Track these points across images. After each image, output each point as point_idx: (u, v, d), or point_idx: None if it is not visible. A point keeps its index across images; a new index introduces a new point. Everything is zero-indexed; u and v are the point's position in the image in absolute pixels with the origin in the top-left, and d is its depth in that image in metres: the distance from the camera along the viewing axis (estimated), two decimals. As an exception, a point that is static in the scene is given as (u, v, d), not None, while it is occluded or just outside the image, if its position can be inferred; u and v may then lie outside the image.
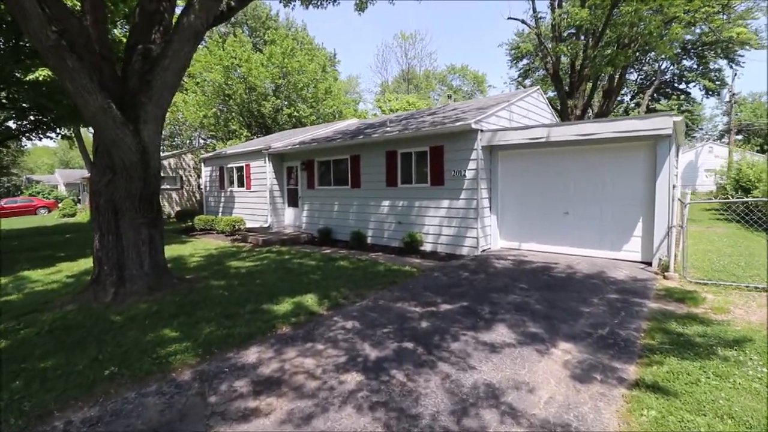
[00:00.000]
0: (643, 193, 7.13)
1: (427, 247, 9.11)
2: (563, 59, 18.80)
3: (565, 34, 18.65)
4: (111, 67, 5.05)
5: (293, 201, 12.98)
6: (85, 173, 31.28)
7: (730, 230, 11.54)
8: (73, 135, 31.10)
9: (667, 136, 6.67)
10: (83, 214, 22.59)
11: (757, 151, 34.09)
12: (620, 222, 7.40)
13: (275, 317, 4.81)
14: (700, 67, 31.88)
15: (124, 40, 7.43)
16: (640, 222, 7.23)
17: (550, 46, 18.08)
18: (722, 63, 30.65)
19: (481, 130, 8.26)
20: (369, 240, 10.32)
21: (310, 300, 5.44)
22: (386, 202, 9.95)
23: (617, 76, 18.32)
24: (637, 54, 16.96)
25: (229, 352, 3.91)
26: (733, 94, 28.64)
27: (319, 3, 8.44)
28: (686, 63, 32.95)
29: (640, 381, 3.17)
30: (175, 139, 37.33)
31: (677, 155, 8.98)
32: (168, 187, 21.83)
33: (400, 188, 9.63)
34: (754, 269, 6.62)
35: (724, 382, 3.07)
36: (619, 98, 32.08)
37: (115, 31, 11.28)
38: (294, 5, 8.65)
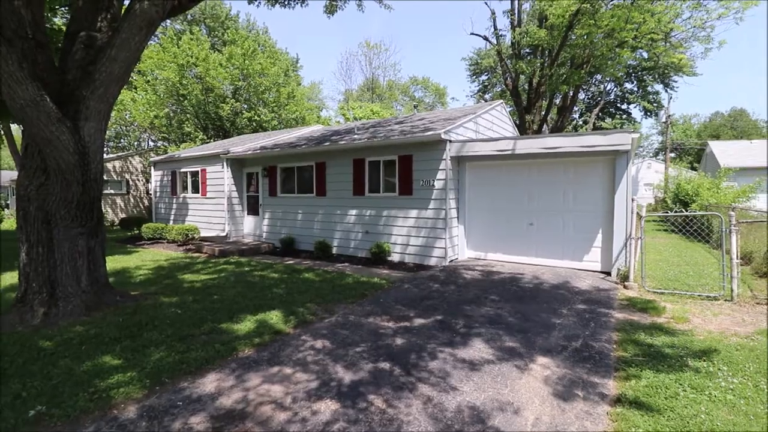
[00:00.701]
0: (602, 205, 7.41)
1: (395, 258, 8.93)
2: (522, 76, 19.62)
3: (523, 53, 19.49)
4: (47, 55, 4.42)
5: (253, 209, 12.35)
6: (14, 175, 28.22)
7: (671, 240, 12.41)
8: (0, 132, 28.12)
9: (626, 152, 6.99)
10: (11, 221, 20.26)
11: (690, 168, 37.44)
12: (581, 233, 7.64)
13: (236, 338, 4.37)
14: (640, 90, 34.79)
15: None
16: (599, 233, 7.50)
17: (509, 62, 18.82)
18: (659, 87, 33.67)
19: (450, 141, 8.27)
20: (334, 250, 9.98)
21: (274, 317, 5.04)
22: (353, 211, 9.68)
23: (571, 95, 19.39)
24: (590, 74, 18.07)
25: (182, 381, 3.45)
26: (669, 115, 31.32)
27: (286, 2, 8.08)
28: (628, 86, 35.85)
29: (621, 397, 3.13)
30: (122, 140, 34.86)
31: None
32: (112, 192, 20.20)
33: (367, 197, 9.41)
34: (702, 278, 7.05)
35: (700, 395, 3.10)
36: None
37: (56, 19, 10.23)
38: (259, 3, 8.24)
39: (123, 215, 20.19)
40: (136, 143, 32.03)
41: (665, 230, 15.55)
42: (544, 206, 7.99)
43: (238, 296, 5.97)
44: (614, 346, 4.19)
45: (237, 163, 12.41)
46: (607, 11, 13.11)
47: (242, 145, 13.31)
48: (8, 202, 28.90)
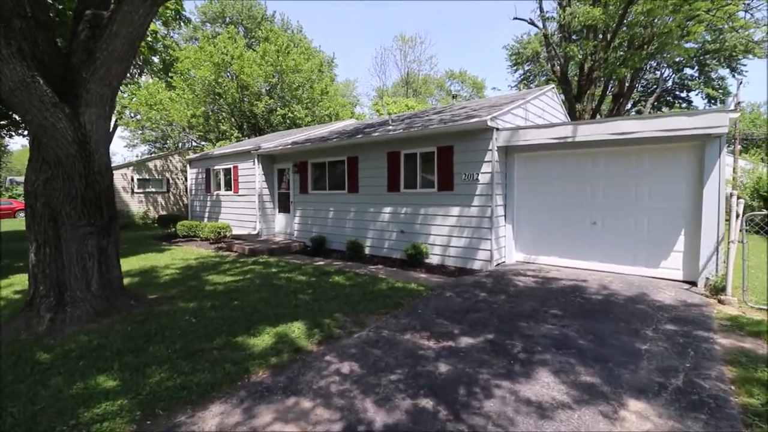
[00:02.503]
0: (686, 201, 6.17)
1: (434, 260, 8.08)
2: (571, 62, 17.99)
3: (573, 36, 17.87)
4: (48, 36, 4.01)
5: (284, 206, 11.92)
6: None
7: (754, 243, 10.63)
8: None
9: (719, 136, 5.73)
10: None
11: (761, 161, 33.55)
12: (658, 235, 6.43)
13: (250, 356, 3.73)
14: (702, 76, 31.53)
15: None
16: (681, 235, 6.26)
17: (558, 47, 17.28)
18: (724, 72, 30.34)
19: (497, 129, 7.28)
20: (367, 251, 9.27)
21: (296, 330, 4.37)
22: (387, 209, 8.92)
23: (628, 80, 17.55)
24: (651, 56, 16.20)
25: (179, 413, 2.84)
26: (738, 102, 28.07)
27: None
28: (688, 71, 32.61)
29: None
30: (167, 141, 36.20)
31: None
32: (153, 190, 20.70)
33: (402, 193, 8.61)
34: (819, 292, 5.67)
35: None
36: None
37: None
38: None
39: (164, 212, 20.66)
40: (180, 144, 33.15)
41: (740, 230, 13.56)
42: (610, 203, 6.83)
43: (260, 302, 5.38)
44: (731, 387, 3.14)
45: (268, 160, 12.02)
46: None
47: (274, 141, 12.92)
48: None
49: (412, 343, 4.06)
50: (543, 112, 9.88)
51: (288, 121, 21.15)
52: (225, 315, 4.82)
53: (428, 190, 8.17)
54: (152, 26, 9.69)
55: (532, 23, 17.89)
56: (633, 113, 35.62)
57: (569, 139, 6.65)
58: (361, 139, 9.06)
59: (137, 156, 43.37)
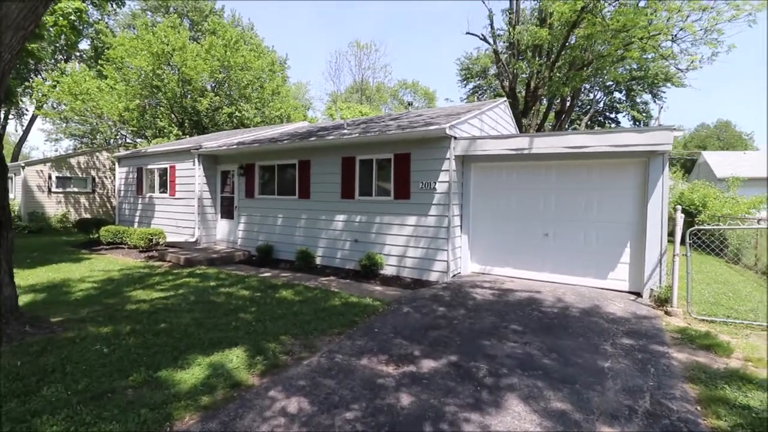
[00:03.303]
0: (632, 215, 6.39)
1: (389, 271, 7.73)
2: (517, 79, 18.79)
3: (520, 55, 18.69)
4: None
5: (228, 212, 10.98)
6: None
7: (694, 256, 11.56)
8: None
9: (662, 153, 5.99)
10: None
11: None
12: (606, 247, 6.60)
13: (175, 396, 3.09)
14: (628, 100, 34.76)
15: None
16: (628, 247, 6.47)
17: (507, 63, 17.96)
18: (647, 97, 33.73)
19: (455, 137, 7.15)
20: (318, 261, 8.72)
21: (235, 358, 3.77)
22: (341, 217, 8.45)
23: (569, 99, 18.65)
24: (591, 76, 17.36)
25: (71, 484, 2.17)
26: (659, 125, 31.24)
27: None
28: (617, 95, 35.79)
29: None
30: (97, 136, 32.79)
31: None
32: (76, 190, 18.43)
33: (357, 201, 8.20)
34: (744, 301, 6.10)
35: None
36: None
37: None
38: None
39: (87, 215, 18.43)
40: (111, 140, 30.08)
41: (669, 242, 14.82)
42: (562, 215, 6.93)
43: (193, 325, 4.66)
44: (698, 407, 3.08)
45: (210, 160, 11.05)
46: (615, 9, 12.36)
47: (218, 140, 11.94)
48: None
49: (370, 369, 3.64)
50: (496, 123, 10.01)
51: (235, 120, 19.92)
52: (147, 342, 4.07)
53: (384, 198, 7.84)
54: (77, 3, 8.48)
55: (483, 39, 18.47)
56: (572, 130, 38.38)
57: (525, 151, 6.67)
58: (315, 142, 8.54)
59: (56, 151, 38.90)
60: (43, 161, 17.85)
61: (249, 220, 10.28)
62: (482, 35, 18.35)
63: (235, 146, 10.16)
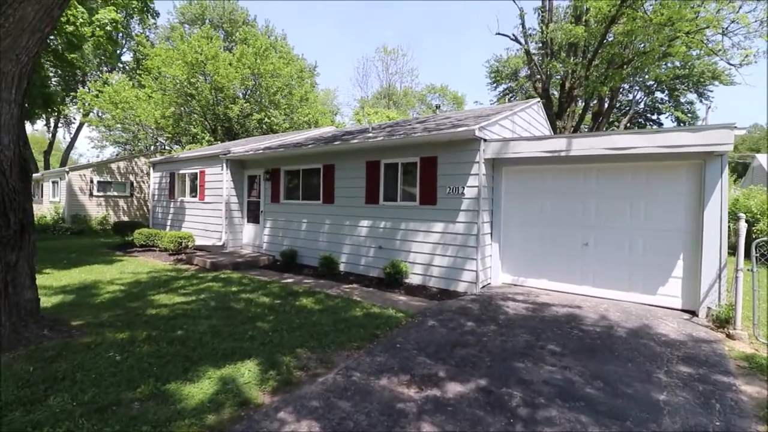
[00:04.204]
0: (685, 223, 5.75)
1: (414, 280, 7.39)
2: (551, 80, 18.02)
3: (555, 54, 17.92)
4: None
5: (254, 216, 11.01)
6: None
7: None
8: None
9: (721, 155, 5.35)
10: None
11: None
12: (655, 258, 5.97)
13: (180, 412, 2.90)
14: (672, 100, 32.75)
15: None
16: (680, 260, 5.81)
17: (540, 64, 17.26)
18: (692, 96, 31.65)
19: (485, 139, 6.75)
20: (342, 267, 8.49)
21: (247, 372, 3.55)
22: (365, 223, 8.20)
23: (607, 99, 17.67)
24: (631, 75, 16.38)
25: None
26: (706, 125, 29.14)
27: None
28: (658, 95, 33.83)
29: None
30: (139, 143, 34.46)
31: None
32: (116, 194, 19.26)
33: (381, 206, 7.93)
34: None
35: None
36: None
37: None
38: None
39: (125, 218, 19.22)
40: (150, 146, 31.51)
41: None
42: (604, 222, 6.36)
43: (209, 333, 4.51)
44: (781, 457, 2.55)
45: (238, 165, 11.14)
46: (659, 2, 11.53)
47: (245, 145, 12.06)
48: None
49: (389, 391, 3.32)
50: (529, 125, 9.49)
51: (264, 126, 20.25)
52: (160, 350, 3.94)
53: (409, 204, 7.53)
54: (113, 14, 8.78)
55: (515, 39, 17.86)
56: (614, 130, 36.55)
57: (563, 153, 6.17)
58: (339, 146, 8.37)
59: (96, 157, 41.20)
60: (86, 166, 18.79)
61: (274, 224, 10.24)
62: (513, 35, 17.75)
63: (261, 151, 10.18)
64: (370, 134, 8.60)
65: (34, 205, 23.38)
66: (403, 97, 44.72)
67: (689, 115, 32.57)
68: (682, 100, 32.06)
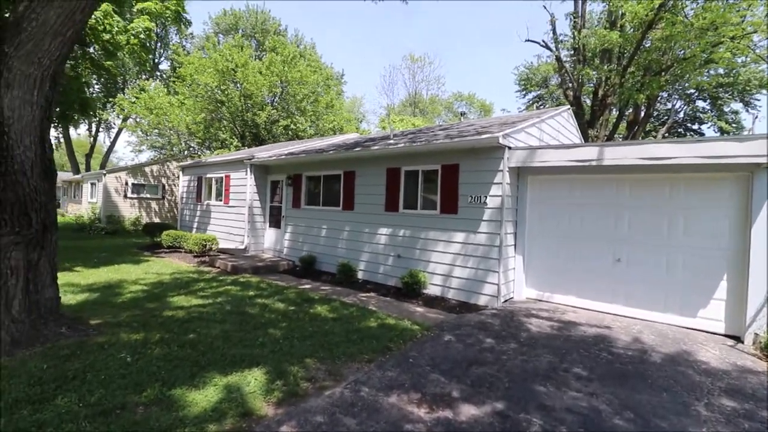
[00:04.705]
0: (729, 241, 5.28)
1: (433, 291, 7.17)
2: (586, 85, 17.41)
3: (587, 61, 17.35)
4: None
5: (276, 221, 11.10)
6: (68, 176, 29.54)
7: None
8: (60, 135, 29.71)
9: (771, 167, 4.89)
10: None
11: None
12: (695, 278, 5.51)
13: (182, 420, 2.83)
14: (714, 110, 31.03)
15: None
16: (724, 280, 5.34)
17: (571, 70, 16.73)
18: (737, 106, 29.87)
19: (509, 147, 6.50)
20: (360, 275, 8.37)
21: (253, 381, 3.46)
22: (384, 230, 8.07)
23: (643, 108, 16.88)
24: (670, 82, 15.58)
25: None
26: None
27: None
28: (699, 104, 32.17)
29: None
30: (173, 148, 35.92)
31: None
32: (148, 196, 20.04)
33: (401, 214, 7.78)
34: None
35: None
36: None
37: None
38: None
39: (156, 219, 19.93)
40: (183, 151, 32.79)
41: None
42: (638, 237, 5.95)
43: (221, 337, 4.48)
44: None
45: (261, 170, 11.29)
46: (701, 5, 10.93)
47: (269, 151, 12.24)
48: (59, 201, 30.23)
49: (398, 410, 3.14)
50: (558, 133, 9.12)
51: (290, 132, 20.61)
52: (171, 353, 3.92)
53: (430, 212, 7.34)
54: (146, 23, 9.16)
55: (545, 46, 17.43)
56: (651, 139, 34.99)
57: (593, 163, 5.84)
58: (359, 153, 8.31)
59: (132, 161, 43.13)
60: (122, 169, 19.67)
61: (294, 230, 10.28)
62: (543, 42, 17.31)
63: (283, 156, 10.28)
64: (391, 141, 8.50)
65: (75, 205, 24.68)
66: (430, 104, 44.62)
67: (734, 125, 30.74)
68: (726, 109, 30.31)
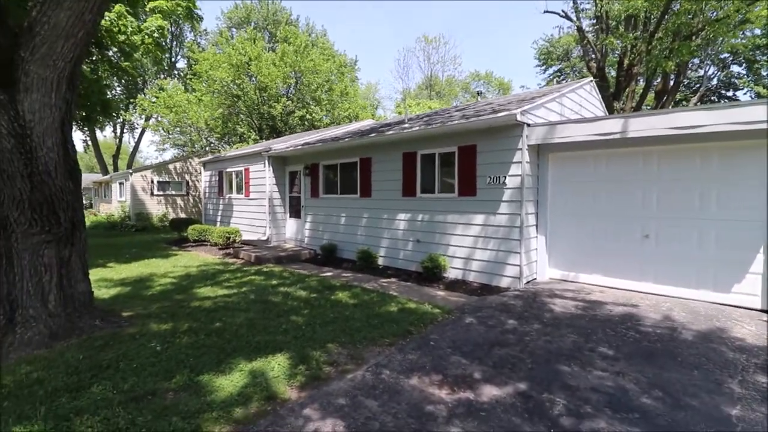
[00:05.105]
0: (766, 211, 4.97)
1: (453, 275, 7.12)
2: (610, 55, 16.59)
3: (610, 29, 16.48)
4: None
5: (295, 211, 11.24)
6: (98, 177, 30.78)
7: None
8: (87, 138, 30.88)
9: (816, 129, 4.54)
10: (86, 220, 21.47)
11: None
12: (729, 252, 5.24)
13: (209, 404, 2.93)
14: (751, 74, 28.98)
15: None
16: (760, 253, 5.06)
17: (594, 40, 15.94)
18: (777, 68, 27.78)
19: (528, 124, 6.29)
20: (380, 261, 8.41)
21: (276, 366, 3.55)
22: (402, 216, 8.04)
23: (672, 76, 15.96)
24: (701, 47, 14.63)
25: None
26: (796, 100, 25.53)
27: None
28: (735, 69, 30.17)
29: None
30: (195, 145, 36.77)
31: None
32: (173, 192, 20.66)
33: (419, 198, 7.72)
34: None
35: None
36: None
37: None
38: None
39: (182, 215, 20.56)
40: (204, 147, 33.53)
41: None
42: (667, 212, 5.69)
43: (245, 325, 4.60)
44: None
45: (279, 162, 11.40)
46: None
47: (286, 142, 12.33)
48: (92, 202, 31.60)
49: (419, 391, 3.15)
50: (580, 107, 8.75)
51: (306, 123, 20.68)
52: (198, 342, 4.07)
53: (448, 195, 7.24)
54: (159, 22, 9.28)
55: (565, 16, 16.62)
56: (679, 107, 33.20)
57: (618, 135, 5.58)
58: (374, 138, 8.24)
59: (156, 159, 44.39)
60: (147, 168, 20.30)
61: (314, 219, 10.38)
62: (563, 12, 16.51)
63: (300, 147, 10.34)
64: (406, 125, 8.38)
65: (105, 205, 25.73)
66: (447, 86, 43.69)
67: (773, 89, 28.75)
68: (764, 73, 28.28)
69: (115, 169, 34.44)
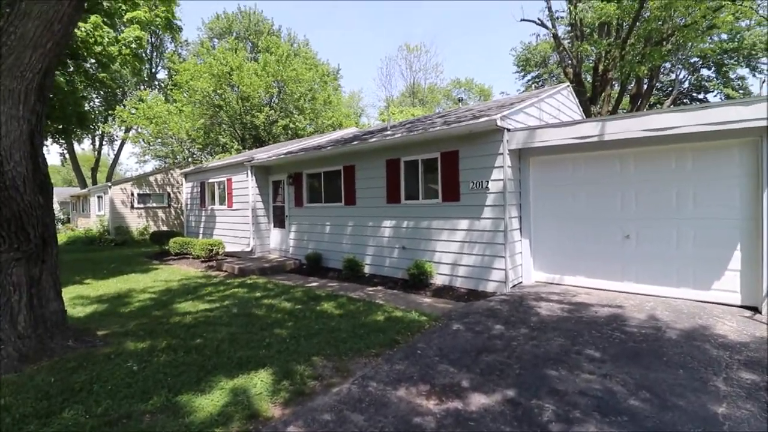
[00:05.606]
0: (742, 210, 5.11)
1: (440, 281, 7.10)
2: (585, 61, 17.03)
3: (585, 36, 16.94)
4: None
5: (279, 221, 11.09)
6: (76, 191, 29.89)
7: None
8: (65, 150, 30.01)
9: (783, 129, 4.70)
10: (63, 235, 20.77)
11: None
12: (708, 249, 5.36)
13: (189, 426, 2.80)
14: (719, 77, 30.15)
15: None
16: (737, 250, 5.18)
17: (569, 47, 16.35)
18: (743, 71, 29.02)
19: (508, 129, 6.36)
20: (366, 269, 8.33)
21: (259, 382, 3.43)
22: (387, 223, 8.00)
23: (646, 80, 16.45)
24: (671, 52, 15.14)
25: None
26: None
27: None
28: (704, 72, 31.33)
29: None
30: (177, 157, 36.14)
31: None
32: (154, 205, 20.19)
33: (403, 205, 7.70)
34: None
35: None
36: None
37: None
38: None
39: (164, 227, 20.09)
40: (187, 158, 32.99)
41: None
42: (646, 212, 5.79)
43: (226, 341, 4.46)
44: None
45: (262, 171, 11.27)
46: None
47: (268, 152, 12.20)
48: (69, 216, 30.64)
49: (407, 403, 3.08)
50: (558, 112, 8.92)
51: (290, 132, 20.55)
52: (177, 360, 3.91)
53: (432, 201, 7.25)
54: (137, 32, 9.12)
55: (541, 24, 17.03)
56: (653, 109, 34.23)
57: (595, 138, 5.68)
58: (357, 146, 8.21)
59: (136, 171, 43.50)
60: (127, 180, 19.82)
61: (299, 228, 10.25)
62: (539, 20, 16.93)
63: (282, 156, 10.23)
64: (389, 132, 8.39)
65: (84, 219, 24.98)
66: (429, 94, 44.15)
67: (741, 91, 29.91)
68: (732, 75, 29.45)
69: (94, 182, 33.54)
